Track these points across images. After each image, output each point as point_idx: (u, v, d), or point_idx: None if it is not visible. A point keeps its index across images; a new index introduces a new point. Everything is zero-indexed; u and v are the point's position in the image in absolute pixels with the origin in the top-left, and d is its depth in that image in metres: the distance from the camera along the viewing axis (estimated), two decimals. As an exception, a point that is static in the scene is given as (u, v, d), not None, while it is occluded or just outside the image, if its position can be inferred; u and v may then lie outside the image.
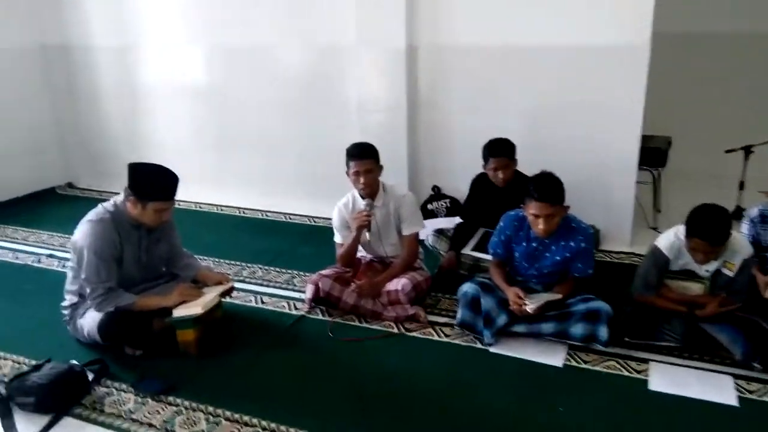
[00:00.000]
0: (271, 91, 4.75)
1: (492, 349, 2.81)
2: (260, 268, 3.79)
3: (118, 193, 2.82)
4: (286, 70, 4.73)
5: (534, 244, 2.88)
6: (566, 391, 2.53)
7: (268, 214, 4.87)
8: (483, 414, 2.40)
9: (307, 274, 3.65)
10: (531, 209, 2.72)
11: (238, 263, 3.88)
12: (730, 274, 2.70)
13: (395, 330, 3.02)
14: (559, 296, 2.78)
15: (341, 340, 2.94)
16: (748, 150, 4.19)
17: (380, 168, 3.17)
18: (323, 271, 3.21)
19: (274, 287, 3.53)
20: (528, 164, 3.53)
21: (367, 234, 3.13)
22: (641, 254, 3.83)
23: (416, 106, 4.32)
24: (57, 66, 5.43)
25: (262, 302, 3.35)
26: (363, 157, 3.08)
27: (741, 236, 2.82)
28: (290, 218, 4.77)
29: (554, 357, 2.73)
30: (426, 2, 4.05)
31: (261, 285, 3.56)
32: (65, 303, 2.92)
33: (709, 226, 2.52)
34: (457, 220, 3.93)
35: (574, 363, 2.71)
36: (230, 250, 4.08)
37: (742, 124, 4.53)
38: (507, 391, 2.54)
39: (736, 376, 2.57)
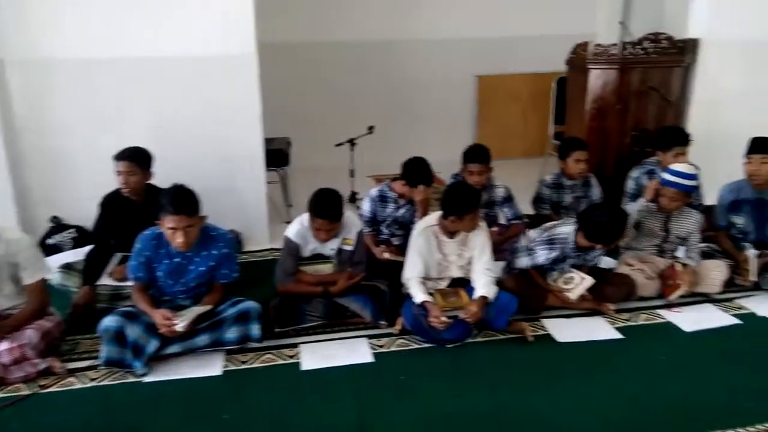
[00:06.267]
0: None
1: (147, 379, 2.64)
2: None
3: None
4: None
5: (177, 260, 2.79)
6: (228, 396, 2.54)
7: None
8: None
9: None
10: (168, 223, 2.63)
11: None
12: (350, 248, 3.11)
13: (28, 391, 2.56)
14: (208, 307, 2.77)
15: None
16: (352, 142, 4.87)
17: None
18: None
19: None
20: (161, 177, 3.40)
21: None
22: (281, 248, 4.14)
23: (14, 130, 3.72)
24: None
25: None
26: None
27: (351, 214, 3.25)
28: None
29: (212, 367, 2.72)
30: (9, 13, 3.55)
31: None
32: None
33: (326, 205, 2.90)
34: (88, 249, 3.54)
35: (233, 367, 2.74)
36: None
37: (346, 120, 5.20)
38: (172, 418, 2.42)
39: (369, 337, 2.98)
